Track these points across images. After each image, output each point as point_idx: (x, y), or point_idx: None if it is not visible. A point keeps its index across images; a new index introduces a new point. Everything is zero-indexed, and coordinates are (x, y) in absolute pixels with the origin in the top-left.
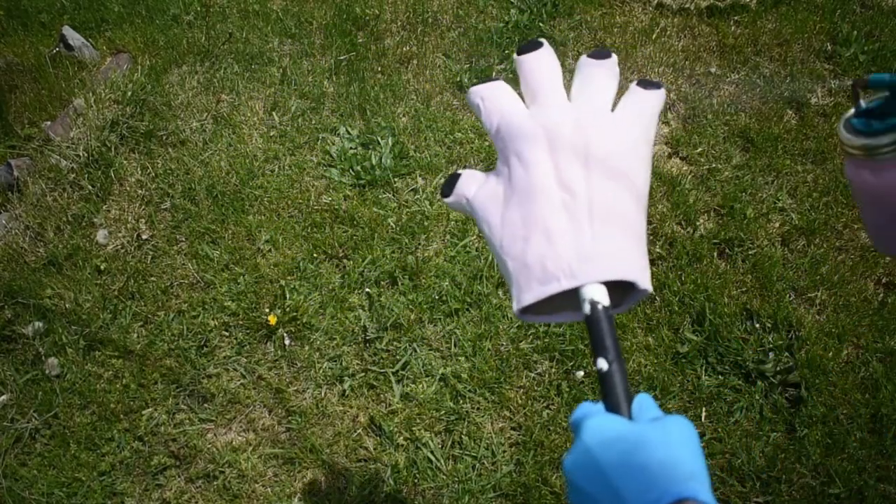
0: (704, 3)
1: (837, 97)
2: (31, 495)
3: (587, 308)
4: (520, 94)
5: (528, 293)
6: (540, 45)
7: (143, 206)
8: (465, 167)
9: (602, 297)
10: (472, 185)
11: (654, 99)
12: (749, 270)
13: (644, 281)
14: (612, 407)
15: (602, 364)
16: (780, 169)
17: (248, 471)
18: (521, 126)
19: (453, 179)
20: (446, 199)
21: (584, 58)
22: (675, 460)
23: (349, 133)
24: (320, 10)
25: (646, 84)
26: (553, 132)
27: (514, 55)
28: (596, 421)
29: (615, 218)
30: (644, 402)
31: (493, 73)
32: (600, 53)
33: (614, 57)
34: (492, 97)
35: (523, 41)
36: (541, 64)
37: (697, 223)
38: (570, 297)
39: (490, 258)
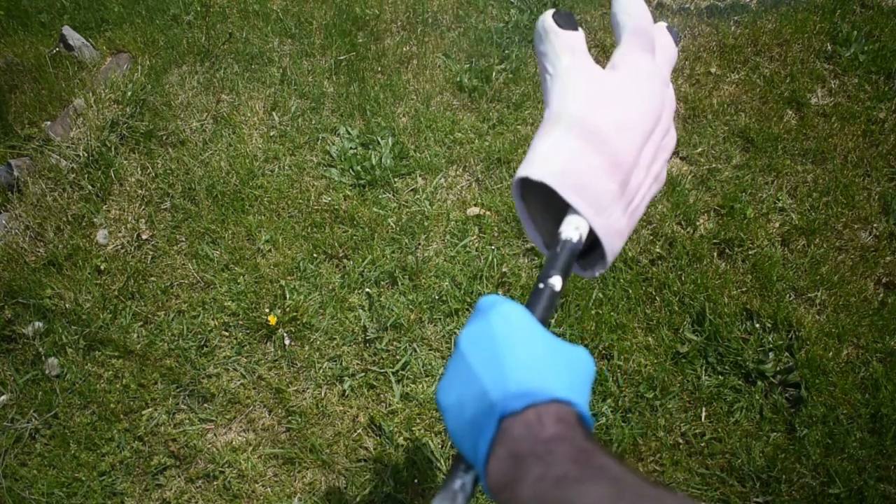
0: (704, 3)
1: (837, 97)
2: (31, 495)
3: (573, 234)
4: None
5: (551, 178)
6: (679, 38)
7: (143, 206)
8: (464, 167)
9: (584, 237)
10: (585, 52)
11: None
12: (749, 270)
13: (606, 265)
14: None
15: (557, 283)
16: (780, 169)
17: (248, 471)
18: (662, 80)
19: (573, 22)
20: (559, 28)
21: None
22: (569, 372)
23: (349, 133)
24: (320, 10)
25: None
26: (664, 104)
27: (662, 24)
28: (511, 308)
29: (641, 208)
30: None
31: (493, 74)
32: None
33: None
34: (643, 19)
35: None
36: (673, 47)
37: (697, 223)
38: (551, 217)
39: (490, 259)
